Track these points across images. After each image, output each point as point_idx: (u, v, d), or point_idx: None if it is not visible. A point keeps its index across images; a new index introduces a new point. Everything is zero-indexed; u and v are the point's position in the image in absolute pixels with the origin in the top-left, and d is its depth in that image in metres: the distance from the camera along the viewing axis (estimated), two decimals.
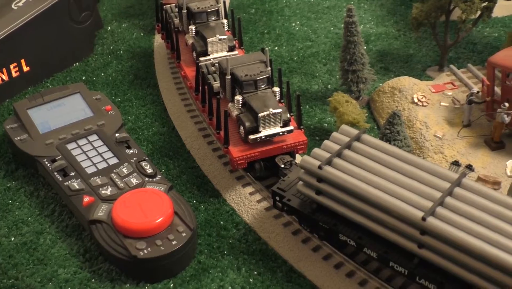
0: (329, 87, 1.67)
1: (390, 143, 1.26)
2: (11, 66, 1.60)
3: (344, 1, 2.05)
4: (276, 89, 1.35)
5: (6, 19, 1.61)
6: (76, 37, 1.75)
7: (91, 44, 1.81)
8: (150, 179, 1.29)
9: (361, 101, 1.60)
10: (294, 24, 1.95)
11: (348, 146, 1.15)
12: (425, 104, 1.52)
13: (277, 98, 1.34)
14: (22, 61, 1.63)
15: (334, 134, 1.18)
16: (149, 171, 1.30)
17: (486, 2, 1.59)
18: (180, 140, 1.51)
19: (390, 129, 1.31)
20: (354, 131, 1.18)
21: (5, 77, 1.60)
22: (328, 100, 1.49)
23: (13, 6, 1.73)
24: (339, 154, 1.13)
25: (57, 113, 1.45)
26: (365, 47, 1.62)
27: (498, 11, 1.83)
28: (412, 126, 1.47)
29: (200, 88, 1.43)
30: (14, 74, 1.61)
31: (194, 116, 1.55)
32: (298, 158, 1.36)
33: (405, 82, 1.57)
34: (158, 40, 1.87)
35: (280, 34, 1.90)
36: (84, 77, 1.72)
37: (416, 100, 1.53)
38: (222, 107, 1.32)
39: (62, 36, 1.71)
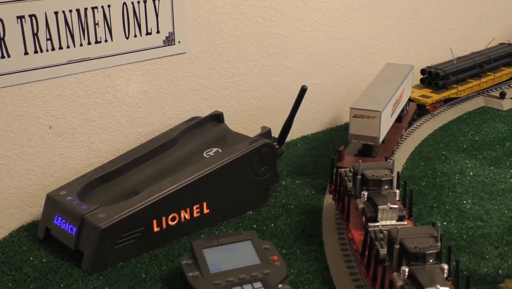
0: (500, 272, 1.60)
1: None
2: (194, 207, 1.77)
3: None
4: (445, 266, 1.33)
5: (197, 165, 1.81)
6: (254, 188, 1.89)
7: (267, 196, 1.94)
8: None
9: None
10: (465, 202, 1.93)
11: None
12: None
13: (445, 276, 1.32)
14: (204, 204, 1.79)
15: None
16: None
17: None
18: None
19: None
20: None
21: (187, 216, 1.75)
22: (499, 286, 1.42)
23: (204, 155, 1.96)
24: None
25: (228, 256, 1.55)
26: None
27: None
28: None
29: (366, 253, 1.45)
30: (195, 215, 1.77)
31: (356, 280, 1.55)
32: None
33: None
34: (328, 200, 1.96)
35: (450, 210, 1.89)
36: (255, 226, 1.83)
37: None
38: (388, 275, 1.33)
39: (242, 186, 1.86)
